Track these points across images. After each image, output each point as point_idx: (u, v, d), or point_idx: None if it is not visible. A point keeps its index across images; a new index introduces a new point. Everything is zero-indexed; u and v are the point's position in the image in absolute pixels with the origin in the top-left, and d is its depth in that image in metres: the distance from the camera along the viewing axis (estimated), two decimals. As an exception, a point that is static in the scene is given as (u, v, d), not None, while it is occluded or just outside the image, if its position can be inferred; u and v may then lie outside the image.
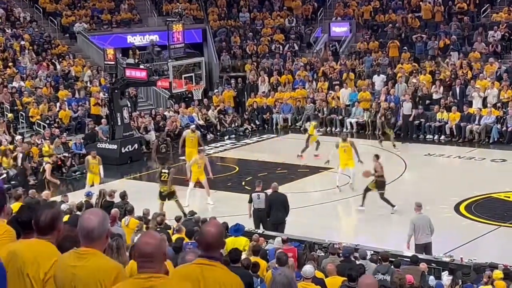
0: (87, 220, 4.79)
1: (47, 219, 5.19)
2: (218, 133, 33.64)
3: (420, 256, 15.90)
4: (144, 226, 16.19)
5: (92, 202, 19.29)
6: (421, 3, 39.66)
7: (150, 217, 17.56)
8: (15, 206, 12.65)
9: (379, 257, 14.42)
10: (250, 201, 19.56)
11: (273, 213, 18.76)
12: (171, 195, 21.40)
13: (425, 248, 17.11)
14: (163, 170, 21.52)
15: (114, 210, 16.97)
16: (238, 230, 15.52)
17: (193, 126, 28.05)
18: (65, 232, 5.48)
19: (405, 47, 36.98)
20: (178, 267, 5.22)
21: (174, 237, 14.72)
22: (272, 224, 18.56)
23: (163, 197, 21.38)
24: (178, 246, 13.15)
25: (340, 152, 23.86)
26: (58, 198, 20.76)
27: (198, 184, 23.05)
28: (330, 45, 39.70)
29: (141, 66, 28.56)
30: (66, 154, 28.22)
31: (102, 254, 4.81)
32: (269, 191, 19.33)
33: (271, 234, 17.30)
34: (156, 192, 21.73)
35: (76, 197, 20.90)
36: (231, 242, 14.70)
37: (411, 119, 30.97)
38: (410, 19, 39.16)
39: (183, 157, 26.72)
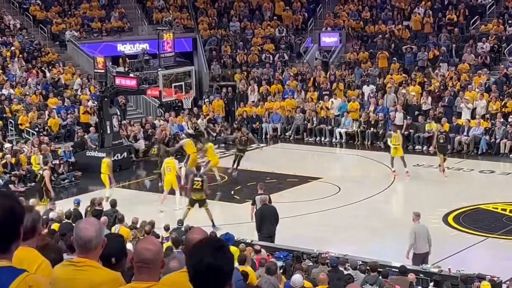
0: (84, 230, 4.70)
1: (28, 224, 5.10)
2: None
3: (409, 266, 15.93)
4: (139, 234, 16.18)
5: (80, 210, 19.29)
6: (411, 14, 39.82)
7: (138, 226, 17.57)
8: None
9: (368, 267, 14.45)
10: (253, 203, 19.65)
11: (265, 226, 18.79)
12: (202, 202, 21.28)
13: (424, 258, 17.12)
14: (195, 179, 21.29)
15: (103, 219, 16.97)
16: (228, 239, 15.50)
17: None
18: (44, 241, 5.38)
19: (395, 58, 37.12)
20: (165, 275, 5.19)
21: (165, 246, 14.71)
22: (264, 237, 18.57)
23: (193, 202, 21.21)
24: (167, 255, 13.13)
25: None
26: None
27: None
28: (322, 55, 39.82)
29: (131, 75, 28.56)
30: (57, 162, 28.17)
31: (99, 264, 4.76)
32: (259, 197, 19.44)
33: (260, 243, 17.30)
34: (146, 200, 21.72)
35: (65, 205, 20.85)
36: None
37: (403, 130, 30.99)
38: (399, 30, 39.32)
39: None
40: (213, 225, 20.30)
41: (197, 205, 21.27)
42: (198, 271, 3.79)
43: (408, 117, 31.85)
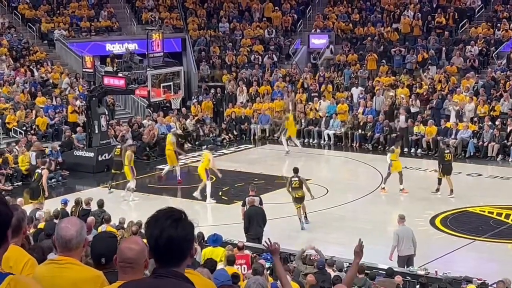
0: (65, 229, 4.72)
1: (14, 222, 5.09)
2: (195, 143, 33.57)
3: (396, 269, 15.95)
4: (126, 234, 16.12)
5: (67, 210, 19.23)
6: (400, 17, 39.89)
7: (125, 226, 17.52)
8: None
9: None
10: (244, 204, 19.79)
11: (253, 228, 18.88)
12: (301, 199, 21.79)
13: (408, 260, 17.18)
14: (293, 179, 21.88)
15: (90, 219, 16.92)
16: (216, 240, 15.50)
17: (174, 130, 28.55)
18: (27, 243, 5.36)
19: (384, 60, 37.19)
20: None
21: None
22: (252, 239, 18.59)
23: (298, 200, 21.75)
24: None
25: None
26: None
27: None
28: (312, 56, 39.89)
29: (120, 74, 28.48)
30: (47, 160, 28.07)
31: (81, 263, 4.76)
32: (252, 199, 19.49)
33: (247, 244, 17.29)
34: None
35: (52, 204, 20.76)
36: (209, 252, 14.71)
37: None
38: (388, 33, 39.40)
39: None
40: (306, 219, 21.67)
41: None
42: (159, 243, 3.79)
43: (410, 120, 31.63)
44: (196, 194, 24.52)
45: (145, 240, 4.25)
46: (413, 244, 17.39)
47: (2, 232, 3.83)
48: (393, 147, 25.79)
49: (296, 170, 22.20)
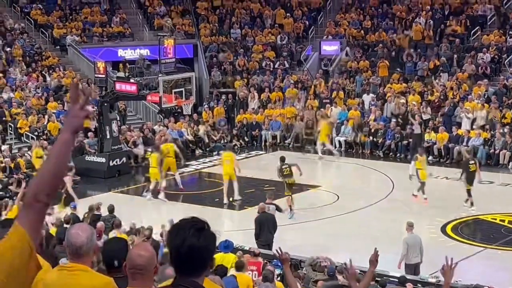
0: (76, 236, 4.72)
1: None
2: (206, 149, 33.59)
3: (408, 276, 15.90)
4: (137, 239, 16.14)
5: (78, 215, 19.26)
6: (412, 24, 39.86)
7: (136, 231, 17.52)
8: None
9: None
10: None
11: (264, 234, 18.84)
12: (292, 186, 23.08)
13: (415, 268, 17.13)
14: (283, 167, 23.15)
15: (99, 224, 16.93)
16: (227, 246, 15.47)
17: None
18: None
19: (398, 69, 37.09)
20: (161, 284, 5.16)
21: (165, 251, 14.65)
22: (262, 245, 18.56)
23: (289, 187, 23.05)
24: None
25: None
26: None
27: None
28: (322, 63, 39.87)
29: (131, 80, 28.57)
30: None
31: (91, 270, 4.76)
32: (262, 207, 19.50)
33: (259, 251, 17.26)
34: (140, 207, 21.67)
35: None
36: (220, 258, 14.70)
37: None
38: (400, 39, 39.38)
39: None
40: (290, 211, 22.60)
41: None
42: (180, 253, 3.79)
43: (408, 127, 31.71)
44: (237, 196, 25.10)
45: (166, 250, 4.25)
46: (420, 252, 17.35)
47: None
48: (416, 155, 25.25)
49: (283, 159, 23.43)
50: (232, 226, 22.05)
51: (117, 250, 5.34)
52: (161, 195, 25.32)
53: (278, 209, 20.06)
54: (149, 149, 27.83)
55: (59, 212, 20.76)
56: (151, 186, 25.36)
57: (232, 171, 25.12)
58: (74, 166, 28.86)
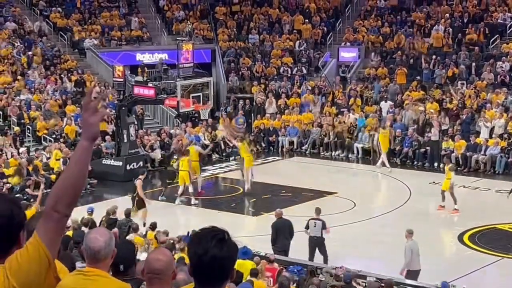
0: (94, 240, 4.69)
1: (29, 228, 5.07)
2: (223, 154, 33.57)
3: (423, 285, 15.83)
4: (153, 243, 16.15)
5: (95, 219, 19.27)
6: (432, 30, 39.75)
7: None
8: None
9: (382, 284, 14.37)
10: (307, 227, 19.31)
11: (280, 240, 18.75)
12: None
13: (417, 275, 17.07)
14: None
15: (114, 230, 16.94)
16: (246, 253, 15.38)
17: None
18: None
19: (418, 77, 36.87)
20: None
21: (176, 256, 14.64)
22: (278, 252, 18.47)
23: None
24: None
25: None
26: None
27: None
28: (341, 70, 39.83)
29: (150, 84, 28.64)
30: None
31: (108, 274, 4.74)
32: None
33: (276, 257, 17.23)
34: (156, 211, 21.67)
35: (79, 213, 20.83)
36: (237, 265, 14.62)
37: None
38: (419, 42, 39.25)
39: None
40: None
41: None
42: (202, 263, 3.74)
43: (426, 135, 31.59)
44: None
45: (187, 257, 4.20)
46: (418, 258, 17.33)
47: (15, 234, 3.80)
48: (451, 164, 25.37)
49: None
50: (248, 231, 21.97)
51: (123, 255, 5.33)
52: (180, 199, 25.41)
53: (324, 226, 19.47)
54: (175, 157, 27.89)
55: (133, 216, 20.69)
56: (179, 191, 25.31)
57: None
58: (90, 169, 28.99)
